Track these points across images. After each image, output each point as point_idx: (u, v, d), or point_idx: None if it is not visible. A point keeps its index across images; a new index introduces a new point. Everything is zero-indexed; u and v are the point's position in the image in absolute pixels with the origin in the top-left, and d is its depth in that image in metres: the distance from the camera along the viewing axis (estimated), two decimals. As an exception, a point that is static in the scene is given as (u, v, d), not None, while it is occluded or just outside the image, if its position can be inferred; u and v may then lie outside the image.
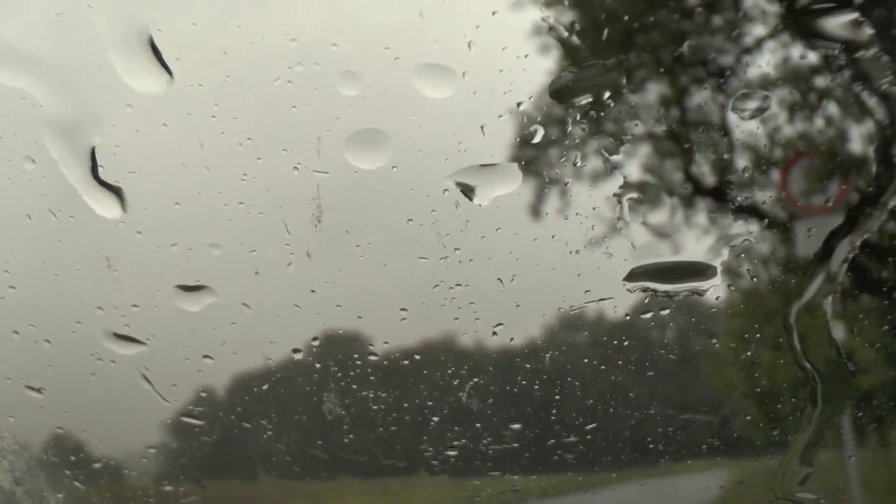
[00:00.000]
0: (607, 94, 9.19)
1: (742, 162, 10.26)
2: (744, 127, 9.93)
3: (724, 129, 10.05)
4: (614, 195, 11.30)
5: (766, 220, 9.74)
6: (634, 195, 11.08)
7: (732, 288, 12.70)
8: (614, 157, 10.76)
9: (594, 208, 11.27)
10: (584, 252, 11.49)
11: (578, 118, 10.13)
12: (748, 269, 11.85)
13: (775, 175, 9.45)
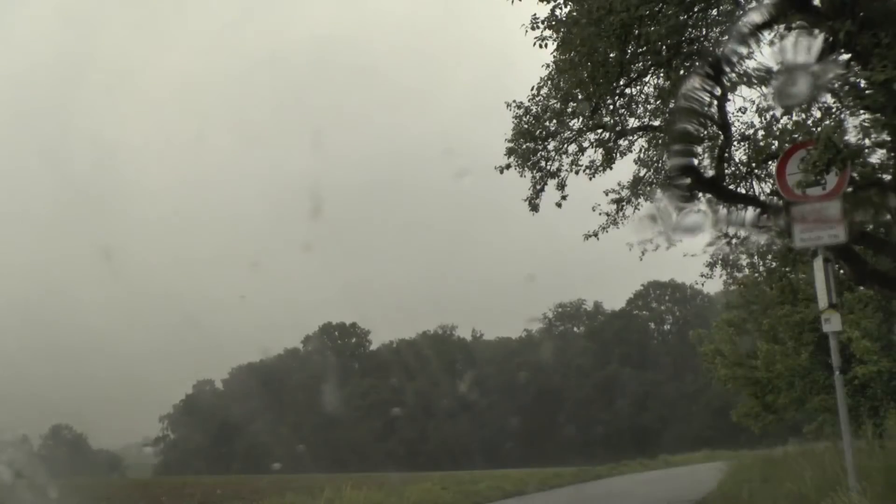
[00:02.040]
0: (605, 88, 9.14)
1: (740, 154, 10.20)
2: (742, 119, 9.86)
3: (722, 122, 10.00)
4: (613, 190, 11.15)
5: (764, 211, 9.71)
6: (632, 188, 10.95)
7: (729, 280, 12.55)
8: (612, 151, 10.66)
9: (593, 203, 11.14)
10: (582, 245, 11.39)
11: (576, 111, 10.03)
12: (745, 261, 11.68)
13: (772, 167, 9.43)
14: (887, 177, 8.53)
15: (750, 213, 10.43)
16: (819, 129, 7.44)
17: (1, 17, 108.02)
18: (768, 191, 10.04)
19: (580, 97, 9.79)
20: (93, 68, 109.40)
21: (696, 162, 10.39)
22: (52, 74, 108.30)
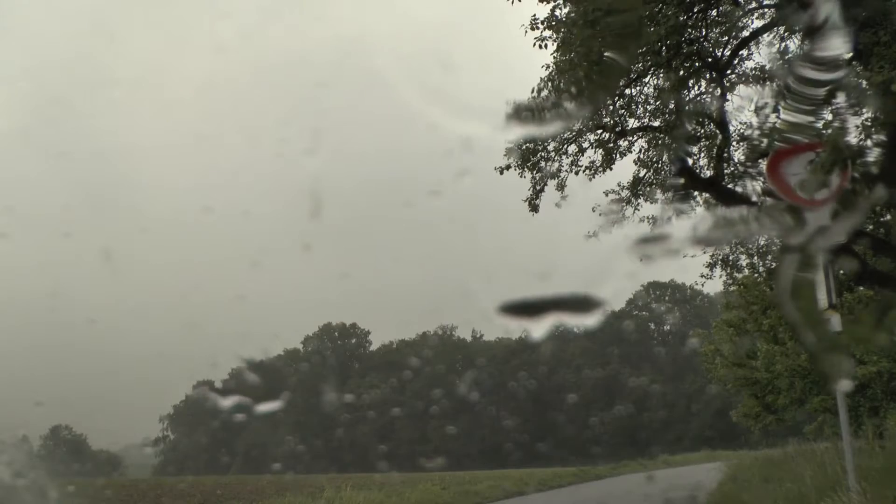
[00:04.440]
0: (604, 88, 9.13)
1: (739, 154, 10.21)
2: (741, 119, 9.86)
3: (721, 121, 10.00)
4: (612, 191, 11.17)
5: (763, 212, 9.71)
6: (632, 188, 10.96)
7: (729, 280, 12.56)
8: (612, 151, 10.67)
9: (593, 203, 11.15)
10: (581, 245, 11.40)
11: (577, 111, 10.05)
12: (745, 261, 11.70)
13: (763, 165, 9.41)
14: (875, 170, 8.50)
15: (750, 213, 10.44)
16: (828, 131, 7.42)
17: (20, 18, 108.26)
18: (760, 190, 10.04)
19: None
20: (112, 70, 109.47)
21: (692, 161, 10.40)
22: (71, 75, 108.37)
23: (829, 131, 7.41)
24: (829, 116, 7.83)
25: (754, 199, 10.03)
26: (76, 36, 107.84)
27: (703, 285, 12.79)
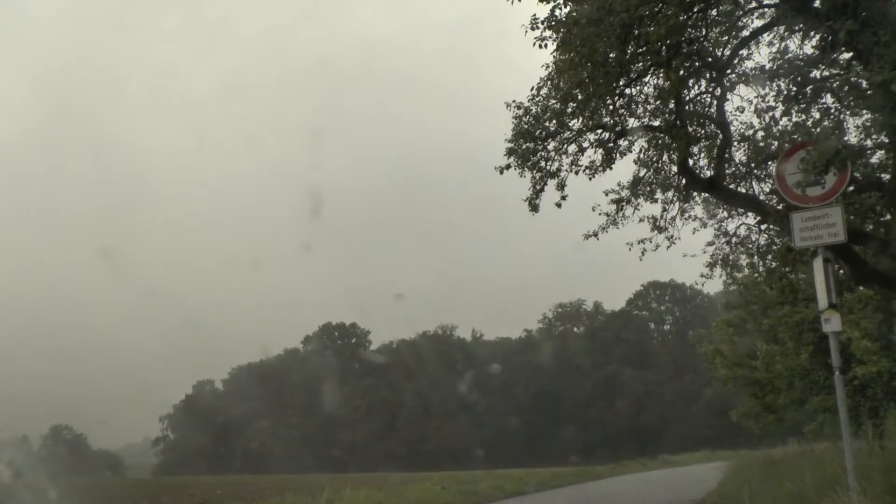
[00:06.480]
0: (605, 88, 9.12)
1: (739, 154, 10.20)
2: (741, 118, 9.85)
3: (721, 121, 9.98)
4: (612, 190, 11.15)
5: (763, 212, 9.69)
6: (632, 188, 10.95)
7: (729, 280, 12.52)
8: (611, 151, 10.66)
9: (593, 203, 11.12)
10: (582, 245, 11.38)
11: (576, 111, 10.02)
12: (745, 261, 11.69)
13: (772, 167, 9.41)
14: (886, 177, 8.53)
15: (750, 212, 10.43)
16: (818, 129, 7.42)
17: (37, 19, 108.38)
18: (767, 190, 10.02)
19: (580, 97, 9.78)
20: (136, 74, 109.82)
21: (693, 162, 10.38)
22: (87, 76, 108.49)
23: (819, 130, 7.41)
24: (825, 116, 7.84)
25: (756, 199, 10.02)
26: (93, 36, 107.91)
27: (703, 285, 12.79)
